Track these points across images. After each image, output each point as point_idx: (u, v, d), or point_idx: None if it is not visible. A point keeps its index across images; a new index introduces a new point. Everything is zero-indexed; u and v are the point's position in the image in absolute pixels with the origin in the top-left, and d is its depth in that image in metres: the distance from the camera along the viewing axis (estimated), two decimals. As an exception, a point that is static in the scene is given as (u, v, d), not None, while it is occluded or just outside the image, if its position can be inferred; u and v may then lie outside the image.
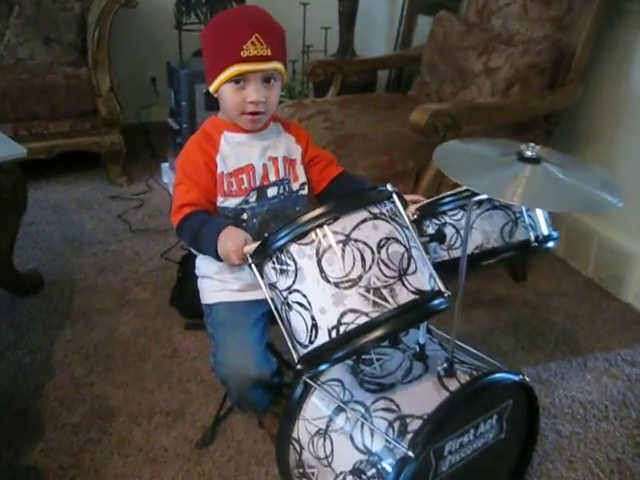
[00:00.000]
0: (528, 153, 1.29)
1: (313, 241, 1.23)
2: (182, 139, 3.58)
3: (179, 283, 2.61)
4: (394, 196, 1.29)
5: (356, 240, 1.22)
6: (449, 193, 1.51)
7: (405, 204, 1.32)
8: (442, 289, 1.28)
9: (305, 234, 1.23)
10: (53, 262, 2.94)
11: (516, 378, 1.50)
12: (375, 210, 1.26)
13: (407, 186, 2.36)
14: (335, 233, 1.22)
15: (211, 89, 1.59)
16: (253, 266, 1.28)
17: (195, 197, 1.58)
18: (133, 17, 4.13)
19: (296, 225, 1.22)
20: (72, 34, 3.84)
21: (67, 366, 2.28)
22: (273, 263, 1.27)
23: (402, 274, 1.22)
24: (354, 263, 1.20)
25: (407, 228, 1.28)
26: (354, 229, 1.22)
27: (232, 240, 1.42)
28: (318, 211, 1.22)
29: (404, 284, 1.22)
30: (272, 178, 1.65)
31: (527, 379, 1.52)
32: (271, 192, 1.65)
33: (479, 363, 1.56)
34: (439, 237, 1.51)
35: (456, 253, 1.51)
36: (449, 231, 1.52)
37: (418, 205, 1.53)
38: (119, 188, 3.73)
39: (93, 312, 2.58)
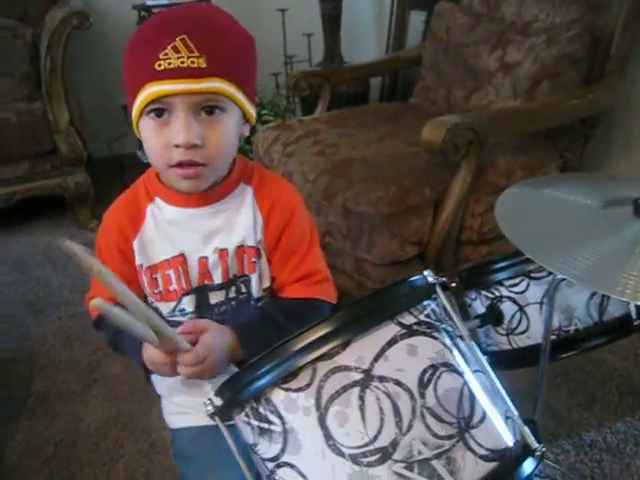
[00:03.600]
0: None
1: (310, 384, 0.75)
2: (154, 174, 3.17)
3: (157, 353, 2.17)
4: (437, 290, 0.81)
5: (382, 378, 0.74)
6: (505, 255, 1.04)
7: (455, 294, 0.84)
8: (530, 442, 0.80)
9: (295, 373, 0.75)
10: (10, 333, 2.54)
11: None
12: (409, 319, 0.78)
13: (424, 222, 1.91)
14: (347, 369, 0.75)
15: (135, 129, 1.07)
16: (218, 419, 0.80)
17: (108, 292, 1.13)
18: (95, 40, 3.78)
19: (278, 358, 0.74)
20: (25, 65, 3.46)
21: (20, 476, 1.85)
22: (247, 416, 0.80)
23: (464, 428, 0.75)
24: (382, 420, 0.73)
25: (461, 338, 0.81)
26: (377, 359, 0.74)
27: (148, 358, 1.04)
28: (314, 332, 0.74)
29: (469, 446, 0.75)
30: (217, 278, 1.12)
31: None
32: (215, 298, 1.14)
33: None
34: (493, 318, 1.04)
35: (522, 341, 1.04)
36: (507, 308, 1.05)
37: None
38: (90, 233, 3.32)
39: (55, 397, 2.16)
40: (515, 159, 2.11)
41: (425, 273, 0.81)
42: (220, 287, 1.13)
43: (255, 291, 1.14)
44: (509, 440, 0.81)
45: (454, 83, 2.53)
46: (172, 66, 0.94)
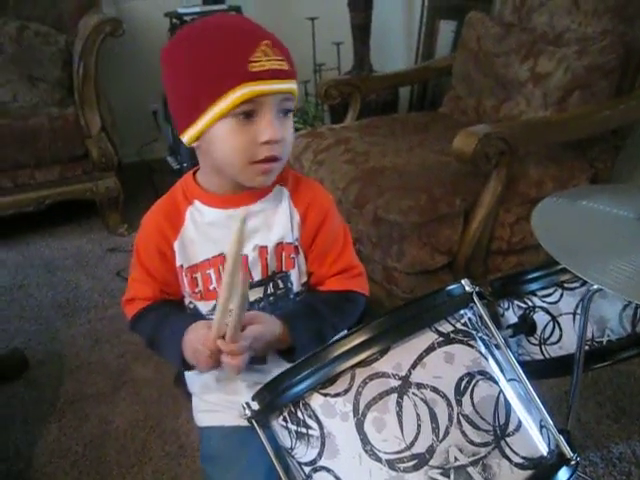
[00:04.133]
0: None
1: (348, 390, 0.76)
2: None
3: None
4: (475, 299, 0.82)
5: (420, 385, 0.75)
6: (539, 265, 1.04)
7: (490, 304, 0.84)
8: (565, 451, 0.80)
9: (334, 379, 0.76)
10: (41, 335, 2.57)
11: None
12: (447, 327, 0.79)
13: (455, 231, 1.91)
14: (385, 376, 0.76)
15: (189, 135, 1.06)
16: (254, 422, 0.81)
17: (149, 293, 1.17)
18: (127, 46, 3.80)
19: (317, 363, 0.76)
20: (58, 70, 3.50)
21: (50, 476, 1.87)
22: (285, 420, 0.81)
23: (500, 435, 0.76)
24: (419, 426, 0.74)
25: (497, 347, 0.82)
26: (415, 366, 0.76)
27: (194, 337, 1.04)
28: (353, 339, 0.75)
29: (504, 454, 0.75)
30: (257, 275, 1.14)
31: None
32: (254, 295, 1.14)
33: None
34: (526, 327, 1.05)
35: (554, 351, 1.04)
36: (540, 318, 1.05)
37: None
38: (119, 238, 3.37)
39: (84, 399, 2.19)
40: (546, 170, 2.10)
41: (463, 282, 0.82)
42: (259, 284, 1.15)
43: (294, 286, 1.17)
44: (544, 449, 0.82)
45: (484, 93, 2.53)
46: (264, 68, 0.99)
